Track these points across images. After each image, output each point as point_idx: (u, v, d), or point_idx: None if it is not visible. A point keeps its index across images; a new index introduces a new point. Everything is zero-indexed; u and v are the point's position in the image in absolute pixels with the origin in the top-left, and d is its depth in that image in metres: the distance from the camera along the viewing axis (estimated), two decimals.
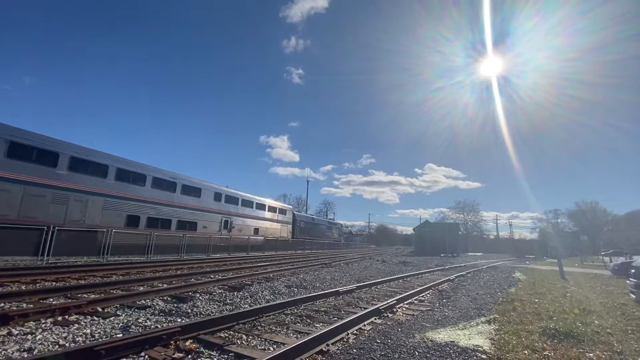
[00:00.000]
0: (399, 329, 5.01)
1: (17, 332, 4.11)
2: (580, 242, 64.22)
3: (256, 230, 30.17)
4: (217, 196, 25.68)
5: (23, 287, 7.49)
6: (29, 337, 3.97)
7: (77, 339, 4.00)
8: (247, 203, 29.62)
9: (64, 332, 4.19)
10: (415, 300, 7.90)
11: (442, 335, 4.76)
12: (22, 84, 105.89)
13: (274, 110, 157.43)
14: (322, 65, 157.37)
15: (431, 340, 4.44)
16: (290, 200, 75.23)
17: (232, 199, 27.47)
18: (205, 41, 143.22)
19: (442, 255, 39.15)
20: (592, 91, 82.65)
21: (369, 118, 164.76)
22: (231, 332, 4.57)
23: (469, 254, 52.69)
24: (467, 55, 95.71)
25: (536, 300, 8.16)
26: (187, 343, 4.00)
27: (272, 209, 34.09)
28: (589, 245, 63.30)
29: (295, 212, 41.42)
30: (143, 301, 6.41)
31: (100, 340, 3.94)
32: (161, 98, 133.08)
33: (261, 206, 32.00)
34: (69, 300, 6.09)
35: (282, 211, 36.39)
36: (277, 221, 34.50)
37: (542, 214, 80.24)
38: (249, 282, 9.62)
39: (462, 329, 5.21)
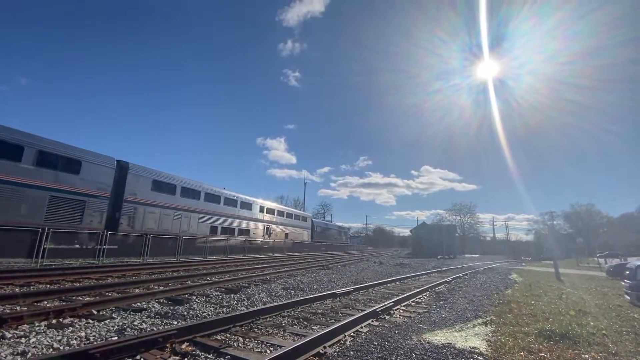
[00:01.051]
0: (396, 331, 5.01)
1: (10, 335, 4.06)
2: (576, 243, 64.69)
3: (286, 235, 36.44)
4: (261, 209, 32.21)
5: (17, 289, 7.39)
6: (23, 340, 3.92)
7: (71, 342, 3.95)
8: (281, 213, 36.59)
9: (58, 335, 4.14)
10: (412, 302, 7.90)
11: (439, 337, 4.77)
12: (18, 85, 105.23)
13: (271, 112, 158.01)
14: (318, 68, 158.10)
15: (428, 342, 4.45)
16: (288, 202, 75.35)
17: (271, 211, 34.22)
18: (203, 45, 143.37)
19: (439, 257, 39.24)
20: (587, 95, 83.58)
21: (366, 120, 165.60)
22: (228, 335, 4.54)
23: (466, 255, 52.88)
24: (463, 58, 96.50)
25: (532, 302, 8.20)
26: (183, 346, 3.97)
27: (297, 217, 40.84)
28: (585, 247, 63.74)
29: (312, 219, 47.57)
30: (139, 304, 6.36)
31: (95, 343, 3.89)
32: (159, 100, 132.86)
33: (290, 215, 38.80)
34: (64, 303, 6.02)
35: (304, 218, 43.42)
36: (301, 227, 41.23)
37: (538, 216, 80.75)
38: (246, 284, 9.58)
39: (459, 331, 5.22)
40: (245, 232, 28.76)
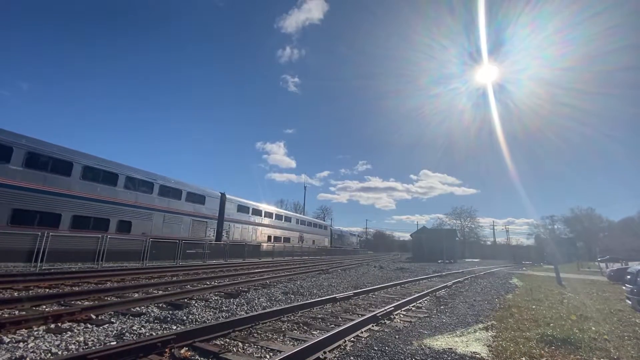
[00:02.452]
0: (397, 336, 4.98)
1: (8, 339, 4.03)
2: (577, 248, 64.54)
3: (314, 242, 44.93)
4: (296, 220, 41.41)
5: (16, 293, 7.36)
6: (21, 345, 3.90)
7: (70, 347, 3.93)
8: (309, 223, 45.51)
9: (56, 340, 4.12)
10: (412, 306, 7.86)
11: (439, 342, 4.74)
12: (19, 89, 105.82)
13: (270, 116, 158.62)
14: (317, 73, 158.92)
15: (429, 347, 4.42)
16: (288, 206, 75.54)
17: (302, 222, 43.26)
18: (202, 51, 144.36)
19: (439, 261, 39.11)
20: (586, 100, 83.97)
21: (365, 124, 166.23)
22: (227, 340, 4.52)
23: (466, 260, 52.68)
24: (462, 63, 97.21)
25: (533, 307, 8.16)
26: (182, 351, 3.94)
27: (320, 226, 50.48)
28: (585, 252, 63.62)
29: (331, 228, 56.10)
30: (138, 308, 6.33)
31: (93, 348, 3.87)
32: (160, 104, 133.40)
33: (315, 225, 47.86)
34: (62, 307, 6.00)
35: (325, 227, 53.24)
36: (323, 235, 50.42)
37: (539, 220, 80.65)
38: (246, 289, 9.54)
39: (460, 336, 5.18)
40: (287, 239, 37.40)
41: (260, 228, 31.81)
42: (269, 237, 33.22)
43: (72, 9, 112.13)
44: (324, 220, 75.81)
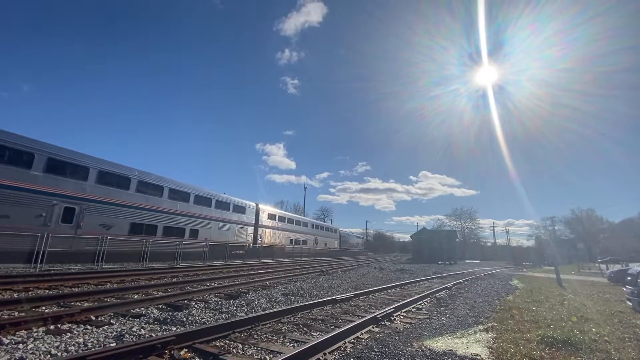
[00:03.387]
0: (397, 338, 4.97)
1: (8, 341, 4.03)
2: (577, 249, 64.40)
3: (325, 244, 50.65)
4: (312, 225, 47.37)
5: (15, 295, 7.36)
6: (20, 346, 3.89)
7: (69, 349, 3.92)
8: (322, 227, 52.27)
9: (56, 342, 4.11)
10: (413, 308, 7.85)
11: (440, 344, 4.73)
12: (20, 91, 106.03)
13: (270, 118, 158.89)
14: (316, 75, 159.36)
15: (429, 349, 4.41)
16: (288, 207, 75.61)
17: (317, 226, 49.56)
18: (202, 54, 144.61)
19: (439, 262, 39.03)
20: (586, 101, 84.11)
21: (365, 126, 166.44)
22: (227, 341, 4.51)
23: (467, 261, 52.58)
24: (462, 64, 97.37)
25: (534, 308, 8.14)
26: (182, 352, 3.94)
27: (331, 230, 56.60)
28: (586, 253, 63.49)
29: (339, 230, 61.07)
30: (137, 309, 6.32)
31: (93, 349, 3.87)
32: (160, 106, 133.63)
33: (328, 229, 55.11)
34: (62, 309, 5.99)
35: (335, 230, 58.34)
36: (333, 237, 56.19)
37: (539, 221, 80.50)
38: (245, 290, 9.52)
39: (460, 338, 5.17)
40: (305, 242, 42.54)
41: (284, 232, 37.53)
42: (291, 240, 38.80)
43: (72, 12, 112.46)
44: (324, 222, 76.02)
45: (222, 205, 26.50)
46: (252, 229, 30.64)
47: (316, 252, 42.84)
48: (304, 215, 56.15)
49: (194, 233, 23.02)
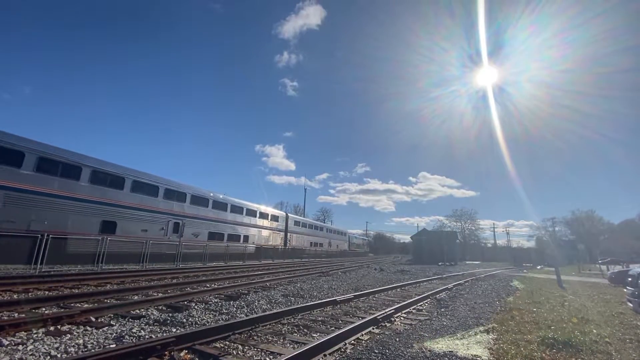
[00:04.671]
0: (397, 339, 4.96)
1: (7, 342, 4.03)
2: (577, 250, 64.23)
3: (337, 246, 56.98)
4: (326, 229, 54.15)
5: (15, 296, 7.35)
6: (20, 347, 3.89)
7: (69, 350, 3.92)
8: (336, 232, 58.80)
9: (55, 343, 4.11)
10: (413, 309, 7.84)
11: (440, 345, 4.72)
12: (21, 93, 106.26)
13: (269, 120, 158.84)
14: (316, 76, 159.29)
15: (430, 350, 4.40)
16: (288, 208, 75.70)
17: (330, 230, 56.21)
18: (201, 56, 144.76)
19: (440, 263, 38.98)
20: (587, 102, 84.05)
21: (364, 127, 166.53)
22: (227, 343, 4.50)
23: (467, 262, 52.53)
24: (462, 65, 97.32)
25: (534, 309, 8.13)
26: (182, 354, 3.93)
27: (342, 233, 62.40)
28: (586, 254, 63.36)
29: (349, 234, 67.39)
30: (137, 310, 6.32)
31: (92, 351, 3.86)
32: (160, 108, 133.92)
33: (340, 232, 60.86)
34: (62, 310, 5.98)
35: (344, 233, 64.26)
36: (344, 240, 62.26)
37: (539, 222, 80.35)
38: (246, 291, 9.51)
39: (461, 339, 5.16)
40: (320, 244, 49.10)
41: (306, 237, 44.24)
42: (311, 243, 45.52)
43: (72, 14, 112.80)
44: (324, 222, 76.32)
45: (263, 215, 33.17)
46: (282, 234, 37.33)
47: (330, 253, 48.43)
48: (304, 217, 56.91)
49: (246, 238, 29.45)
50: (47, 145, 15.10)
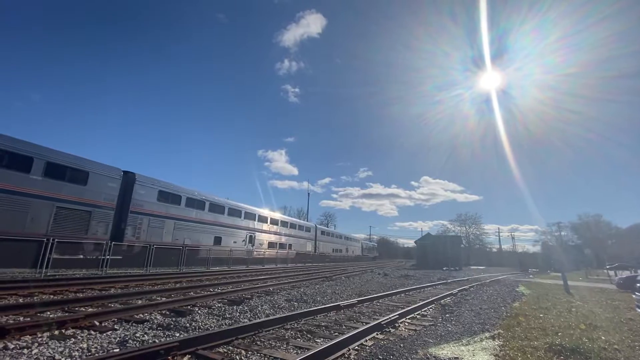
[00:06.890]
0: (402, 345, 4.91)
1: (13, 346, 4.05)
2: (584, 255, 63.30)
3: (353, 251, 63.21)
4: (344, 237, 60.58)
5: (20, 300, 7.40)
6: (25, 351, 3.91)
7: (73, 354, 3.93)
8: (350, 238, 64.70)
9: (60, 347, 4.12)
10: (417, 314, 7.76)
11: (445, 351, 4.66)
12: (31, 100, 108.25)
13: (271, 126, 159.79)
14: (317, 82, 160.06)
15: (434, 357, 4.35)
16: (291, 213, 75.74)
17: (347, 237, 62.51)
18: (204, 64, 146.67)
19: (444, 268, 38.64)
20: (592, 106, 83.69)
21: (366, 131, 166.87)
22: (230, 347, 4.49)
23: (472, 267, 51.99)
24: (466, 69, 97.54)
25: (541, 315, 8.01)
26: (185, 358, 3.92)
27: (355, 240, 68.22)
28: (593, 259, 62.38)
29: (361, 240, 73.55)
30: (141, 315, 6.32)
31: (96, 355, 3.87)
32: (165, 115, 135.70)
33: (353, 239, 66.55)
34: (66, 314, 6.01)
35: (358, 240, 70.38)
36: (357, 246, 67.66)
37: (545, 227, 79.41)
38: (249, 296, 9.49)
39: (466, 345, 5.10)
40: (340, 250, 56.14)
41: (329, 244, 51.15)
42: (332, 249, 52.10)
43: (78, 24, 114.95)
44: (328, 226, 76.35)
45: (300, 227, 41.60)
46: (313, 242, 44.93)
47: (346, 258, 55.94)
48: (307, 221, 58.01)
49: (290, 246, 37.31)
50: (192, 191, 23.18)
